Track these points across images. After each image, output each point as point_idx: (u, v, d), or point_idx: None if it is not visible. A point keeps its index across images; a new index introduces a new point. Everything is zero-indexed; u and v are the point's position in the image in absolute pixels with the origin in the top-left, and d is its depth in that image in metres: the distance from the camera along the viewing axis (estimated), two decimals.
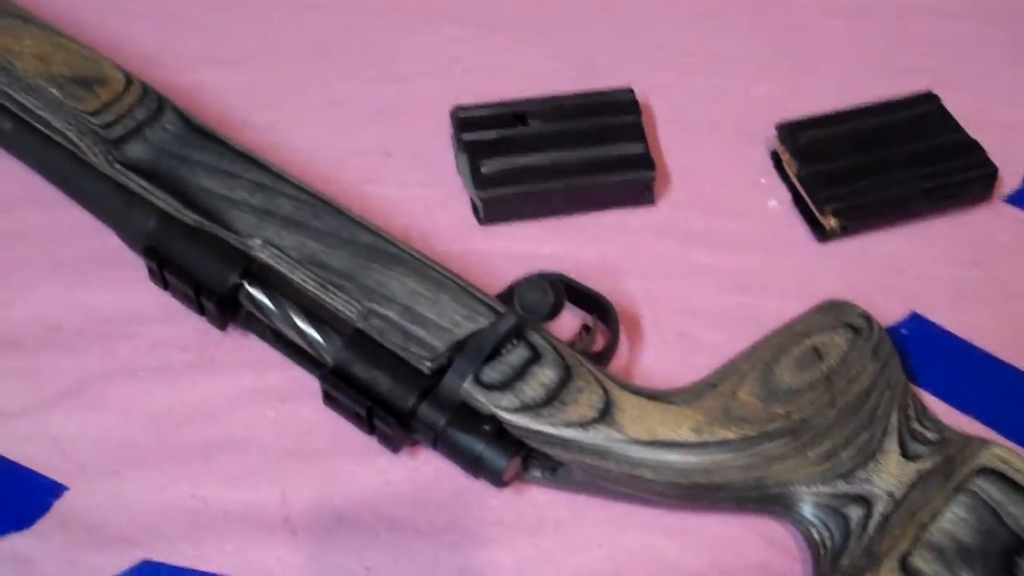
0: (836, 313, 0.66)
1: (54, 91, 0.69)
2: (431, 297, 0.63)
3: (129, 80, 0.70)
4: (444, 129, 0.78)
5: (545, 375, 0.61)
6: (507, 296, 0.66)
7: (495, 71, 0.82)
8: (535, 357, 0.61)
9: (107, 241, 0.71)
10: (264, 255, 0.65)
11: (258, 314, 0.65)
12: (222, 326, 0.67)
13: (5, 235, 0.72)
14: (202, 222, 0.66)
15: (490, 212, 0.73)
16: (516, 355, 0.61)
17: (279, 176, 0.67)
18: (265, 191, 0.66)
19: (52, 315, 0.69)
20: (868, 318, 0.66)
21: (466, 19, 0.85)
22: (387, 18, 0.85)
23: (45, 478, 0.63)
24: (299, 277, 0.64)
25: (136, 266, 0.70)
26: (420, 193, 0.76)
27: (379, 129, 0.79)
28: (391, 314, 0.62)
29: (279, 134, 0.78)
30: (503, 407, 0.60)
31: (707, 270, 0.73)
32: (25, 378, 0.67)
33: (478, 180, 0.73)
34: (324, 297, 0.63)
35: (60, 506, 0.62)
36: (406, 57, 0.83)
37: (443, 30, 0.84)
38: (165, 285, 0.67)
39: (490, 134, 0.74)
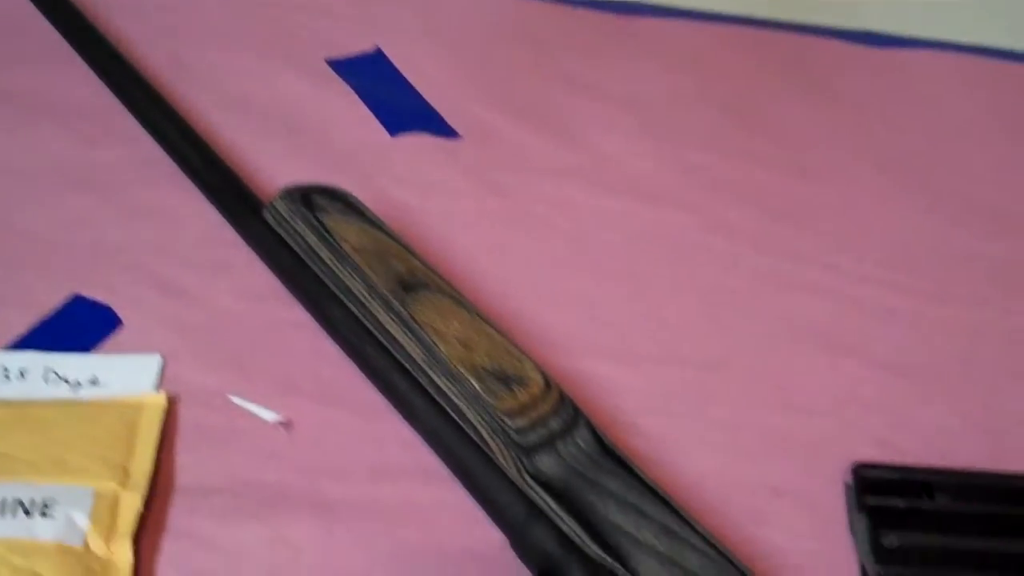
0: None
1: (474, 382, 0.69)
2: None
3: (548, 384, 0.69)
4: (836, 475, 0.75)
5: None
6: None
7: (894, 420, 0.78)
8: None
9: (487, 532, 0.70)
10: None
11: None
12: None
13: (393, 508, 0.72)
14: (605, 558, 0.64)
15: None
16: None
17: (687, 522, 0.65)
18: (672, 538, 0.64)
19: None
20: None
21: (869, 357, 0.82)
22: (783, 342, 0.83)
23: None
24: None
25: (516, 568, 0.69)
26: (808, 546, 0.72)
27: (769, 463, 0.76)
28: None
29: (668, 450, 0.76)
30: None
31: None
32: None
33: (879, 553, 0.69)
34: None
35: None
36: (800, 386, 0.80)
37: (843, 364, 0.82)
38: None
39: (895, 501, 0.71)
